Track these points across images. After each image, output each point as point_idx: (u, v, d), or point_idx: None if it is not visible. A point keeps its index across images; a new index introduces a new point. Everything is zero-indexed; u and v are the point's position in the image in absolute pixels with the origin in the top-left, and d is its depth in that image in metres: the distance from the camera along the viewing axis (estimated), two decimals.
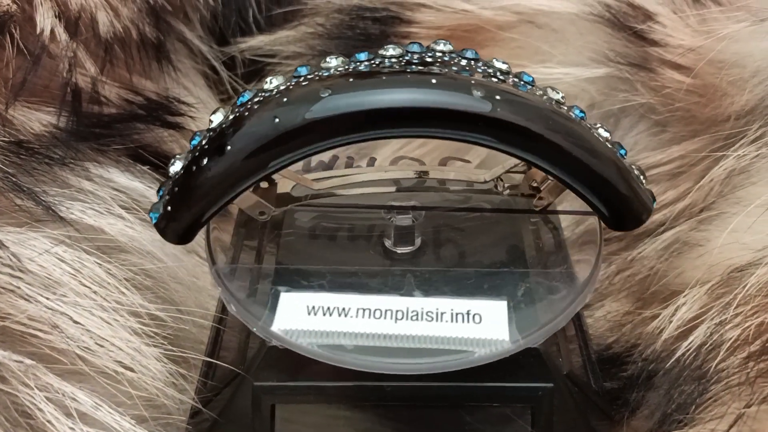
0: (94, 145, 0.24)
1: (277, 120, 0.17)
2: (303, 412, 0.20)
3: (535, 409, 0.19)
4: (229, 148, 0.17)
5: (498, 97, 0.17)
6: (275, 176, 0.19)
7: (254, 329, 0.19)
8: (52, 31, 0.24)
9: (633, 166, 0.20)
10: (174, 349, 0.20)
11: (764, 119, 0.23)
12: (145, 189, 0.24)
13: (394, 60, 0.18)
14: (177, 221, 0.18)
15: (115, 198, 0.23)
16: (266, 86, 0.18)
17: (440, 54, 0.18)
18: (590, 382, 0.22)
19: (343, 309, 0.19)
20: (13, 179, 0.21)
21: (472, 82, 0.17)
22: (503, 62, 0.19)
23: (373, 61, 0.18)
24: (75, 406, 0.18)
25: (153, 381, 0.19)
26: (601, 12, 0.26)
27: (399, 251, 0.20)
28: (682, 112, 0.25)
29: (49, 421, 0.18)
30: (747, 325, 0.20)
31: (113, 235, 0.22)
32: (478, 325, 0.18)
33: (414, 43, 0.18)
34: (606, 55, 0.26)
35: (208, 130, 0.18)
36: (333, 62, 0.18)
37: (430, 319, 0.18)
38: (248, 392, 0.19)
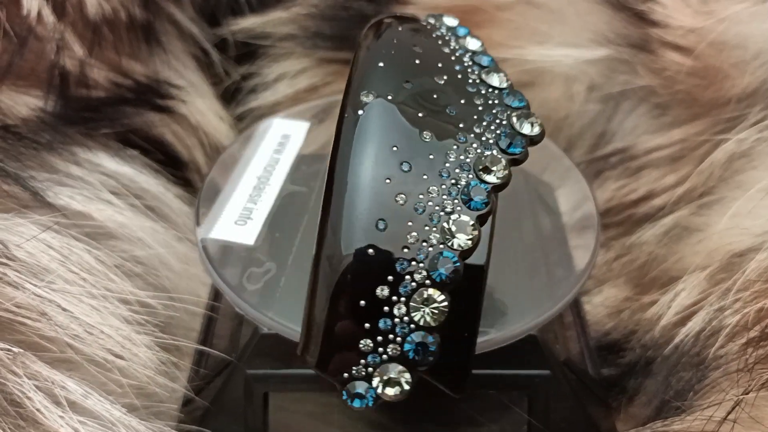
0: (82, 129, 0.23)
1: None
2: (296, 400, 0.19)
3: (531, 396, 0.19)
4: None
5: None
6: None
7: None
8: (38, 13, 0.23)
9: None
10: (165, 336, 0.20)
11: (765, 102, 0.23)
12: (135, 174, 0.23)
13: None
14: None
15: (104, 183, 0.22)
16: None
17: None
18: (588, 369, 0.21)
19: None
20: (0, 164, 0.21)
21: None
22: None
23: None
24: (64, 395, 0.18)
25: (144, 369, 0.19)
26: None
27: None
28: (682, 94, 0.25)
29: (38, 410, 0.17)
30: (746, 310, 0.19)
31: (102, 221, 0.21)
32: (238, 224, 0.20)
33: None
34: (606, 37, 0.25)
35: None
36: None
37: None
38: (241, 380, 0.19)
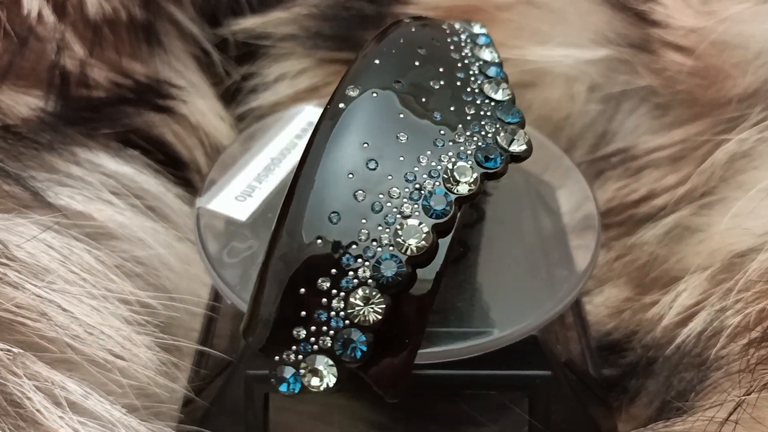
0: (82, 130, 0.23)
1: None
2: (297, 401, 0.19)
3: (532, 397, 0.19)
4: None
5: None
6: None
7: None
8: (39, 13, 0.23)
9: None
10: (165, 337, 0.20)
11: (766, 102, 0.23)
12: (135, 174, 0.23)
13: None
14: None
15: (104, 183, 0.22)
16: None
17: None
18: (589, 369, 0.21)
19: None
20: (0, 164, 0.21)
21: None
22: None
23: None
24: (65, 395, 0.18)
25: (144, 369, 0.19)
26: None
27: None
28: (683, 95, 0.25)
29: (38, 410, 0.17)
30: (748, 311, 0.19)
31: (102, 221, 0.21)
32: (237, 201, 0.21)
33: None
34: (607, 37, 0.25)
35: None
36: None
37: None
38: (241, 381, 0.19)
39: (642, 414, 0.21)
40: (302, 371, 0.15)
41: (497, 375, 0.18)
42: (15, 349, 0.18)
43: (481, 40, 0.19)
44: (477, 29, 0.19)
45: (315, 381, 0.15)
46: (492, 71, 0.18)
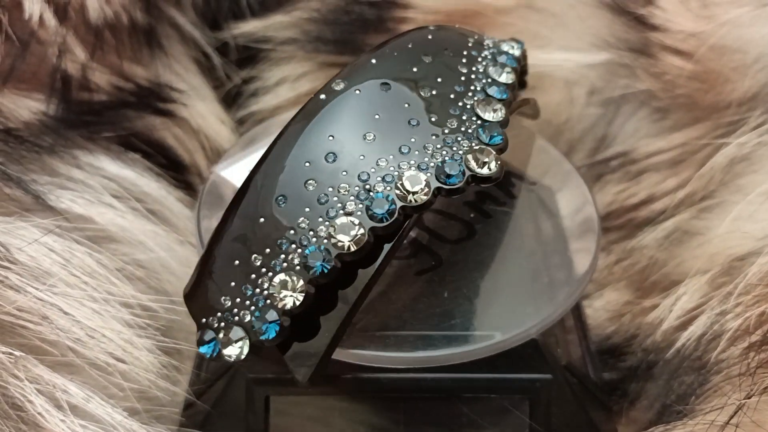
0: (84, 133, 0.23)
1: None
2: (297, 404, 0.19)
3: (533, 400, 0.19)
4: None
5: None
6: None
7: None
8: (40, 17, 0.23)
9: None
10: (166, 340, 0.20)
11: (766, 106, 0.23)
12: (136, 177, 0.23)
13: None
14: None
15: (105, 186, 0.22)
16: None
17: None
18: (589, 373, 0.21)
19: None
20: (2, 168, 0.21)
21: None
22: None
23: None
24: (66, 398, 0.18)
25: (145, 373, 0.19)
26: None
27: None
28: (683, 98, 0.25)
29: (40, 413, 0.17)
30: (748, 314, 0.19)
31: (103, 225, 0.21)
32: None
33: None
34: (606, 41, 0.26)
35: None
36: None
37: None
38: (242, 384, 0.19)
39: (642, 417, 0.21)
40: (220, 338, 0.16)
41: (498, 378, 0.18)
42: (16, 353, 0.18)
43: (502, 59, 0.18)
44: (505, 47, 0.19)
45: (228, 350, 0.16)
46: (493, 90, 0.18)
